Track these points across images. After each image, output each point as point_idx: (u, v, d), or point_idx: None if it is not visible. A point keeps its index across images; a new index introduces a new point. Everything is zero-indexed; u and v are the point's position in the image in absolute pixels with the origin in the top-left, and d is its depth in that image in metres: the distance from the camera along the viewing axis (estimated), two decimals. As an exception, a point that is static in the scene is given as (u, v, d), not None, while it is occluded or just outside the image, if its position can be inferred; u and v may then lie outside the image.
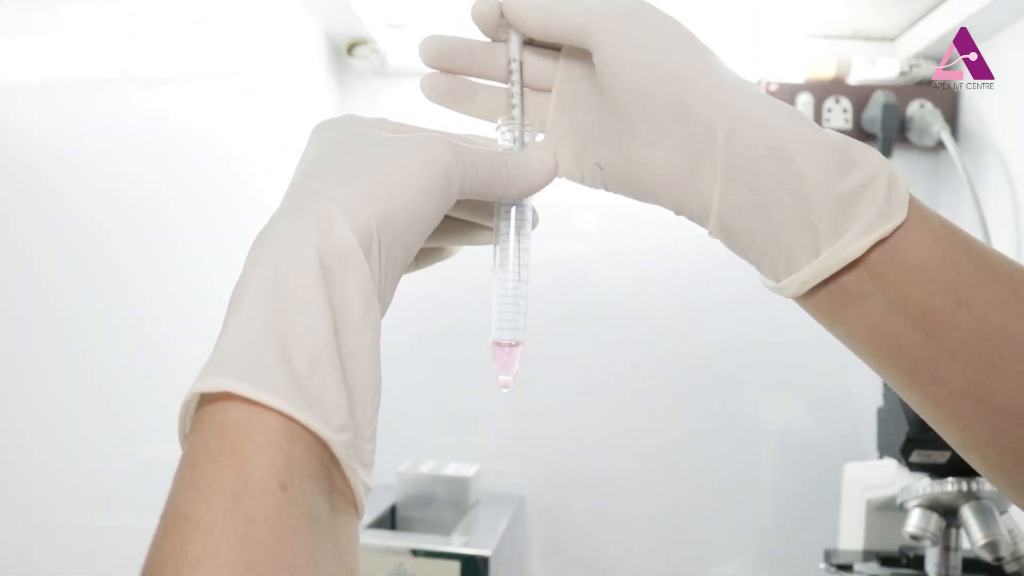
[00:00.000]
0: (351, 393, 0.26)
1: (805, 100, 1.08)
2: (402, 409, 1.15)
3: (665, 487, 1.17)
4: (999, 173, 0.98)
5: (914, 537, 0.74)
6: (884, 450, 0.81)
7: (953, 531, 0.76)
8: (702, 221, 0.34)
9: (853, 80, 1.08)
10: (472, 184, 0.32)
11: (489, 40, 0.38)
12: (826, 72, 1.08)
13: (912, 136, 1.06)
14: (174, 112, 0.70)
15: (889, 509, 0.86)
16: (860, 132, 1.08)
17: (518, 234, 0.36)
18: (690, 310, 1.16)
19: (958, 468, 0.74)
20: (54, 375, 0.56)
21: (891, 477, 0.84)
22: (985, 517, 0.71)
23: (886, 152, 1.03)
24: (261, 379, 0.24)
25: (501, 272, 0.36)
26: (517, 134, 0.37)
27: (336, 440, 0.25)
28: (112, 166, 0.61)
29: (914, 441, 0.74)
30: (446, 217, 0.33)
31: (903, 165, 1.09)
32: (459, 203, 0.33)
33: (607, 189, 0.37)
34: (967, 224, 0.94)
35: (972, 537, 0.71)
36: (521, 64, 0.38)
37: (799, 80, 1.08)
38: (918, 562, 0.81)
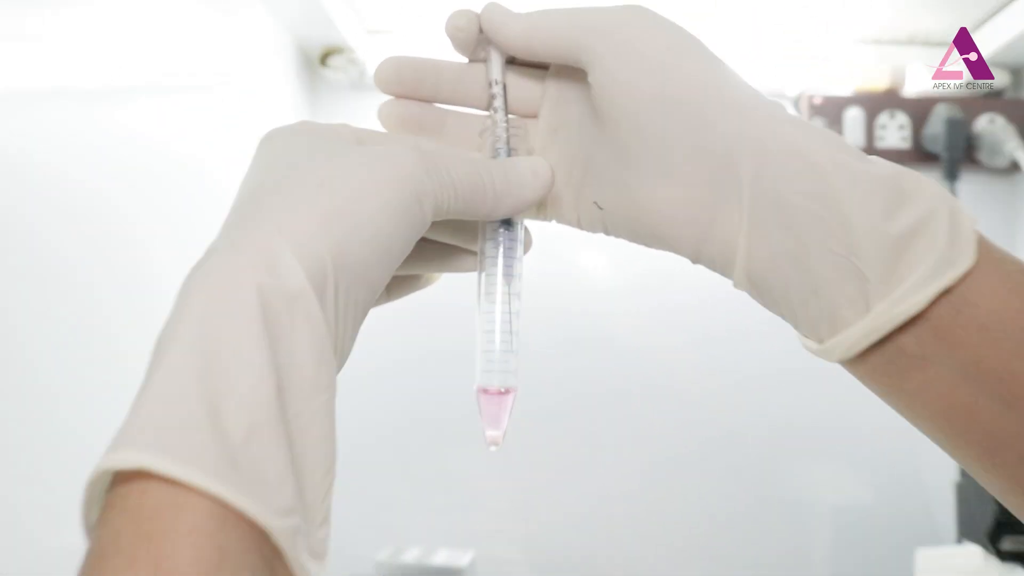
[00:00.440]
0: (299, 468, 0.25)
1: (855, 115, 1.07)
2: (379, 485, 1.12)
3: (699, 578, 1.13)
4: (1088, 197, 0.97)
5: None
6: (965, 533, 0.80)
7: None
8: (725, 271, 0.33)
9: (910, 91, 1.07)
10: (450, 204, 0.32)
11: (462, 61, 0.38)
12: (878, 82, 1.07)
13: (982, 156, 1.04)
14: (130, 126, 0.71)
15: (976, 605, 0.83)
16: (920, 152, 1.07)
17: (507, 259, 0.36)
18: (715, 357, 1.14)
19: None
20: (8, 401, 0.57)
21: (976, 567, 0.81)
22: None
23: (952, 175, 1.02)
24: (186, 452, 0.23)
25: (487, 304, 0.36)
26: (505, 138, 0.36)
27: (279, 527, 0.24)
28: (69, 182, 0.62)
29: (1005, 525, 0.71)
30: (421, 239, 0.32)
31: (971, 190, 1.08)
32: (437, 223, 0.32)
33: (608, 232, 0.36)
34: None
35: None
36: (504, 87, 0.37)
37: (847, 92, 1.08)
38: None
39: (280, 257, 0.26)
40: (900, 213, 0.29)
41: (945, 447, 0.31)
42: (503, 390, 0.35)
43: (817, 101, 1.07)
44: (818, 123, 1.06)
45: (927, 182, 0.30)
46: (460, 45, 0.37)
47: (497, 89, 0.37)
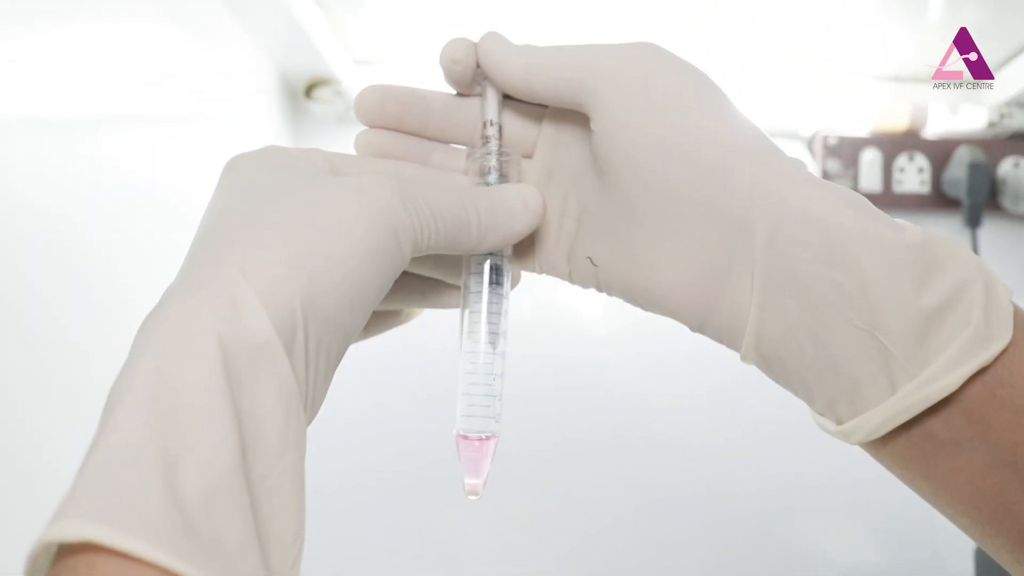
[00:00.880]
0: (264, 536, 0.24)
1: (872, 157, 1.03)
2: (351, 552, 1.06)
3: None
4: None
5: None
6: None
7: None
8: (731, 343, 0.32)
9: (931, 133, 1.04)
10: (431, 239, 0.30)
11: (451, 94, 0.36)
12: (897, 123, 1.04)
13: (1006, 202, 1.01)
14: (107, 156, 0.70)
15: None
16: (940, 197, 1.04)
17: (493, 294, 0.34)
18: (716, 406, 1.09)
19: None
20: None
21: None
22: None
23: (973, 222, 0.99)
24: (137, 521, 0.21)
25: (470, 343, 0.34)
26: (493, 163, 0.35)
27: None
28: (43, 211, 0.61)
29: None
30: (402, 273, 0.31)
31: (994, 238, 1.05)
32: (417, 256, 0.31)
33: (600, 290, 0.35)
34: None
35: None
36: (500, 128, 0.35)
37: (863, 133, 1.05)
38: None
39: (244, 303, 0.25)
40: (931, 285, 0.28)
41: (972, 534, 0.30)
42: (484, 436, 0.34)
43: (832, 142, 1.03)
44: (833, 165, 1.02)
45: (960, 249, 0.29)
46: (456, 80, 0.35)
47: (492, 131, 0.35)
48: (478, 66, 0.34)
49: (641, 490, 1.09)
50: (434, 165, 0.36)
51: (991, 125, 1.01)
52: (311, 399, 0.27)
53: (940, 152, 1.03)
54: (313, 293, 0.26)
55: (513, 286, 0.36)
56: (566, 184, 0.35)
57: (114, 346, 0.67)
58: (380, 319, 0.36)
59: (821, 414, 0.31)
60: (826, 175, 1.02)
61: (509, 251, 0.35)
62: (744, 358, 0.32)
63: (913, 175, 1.03)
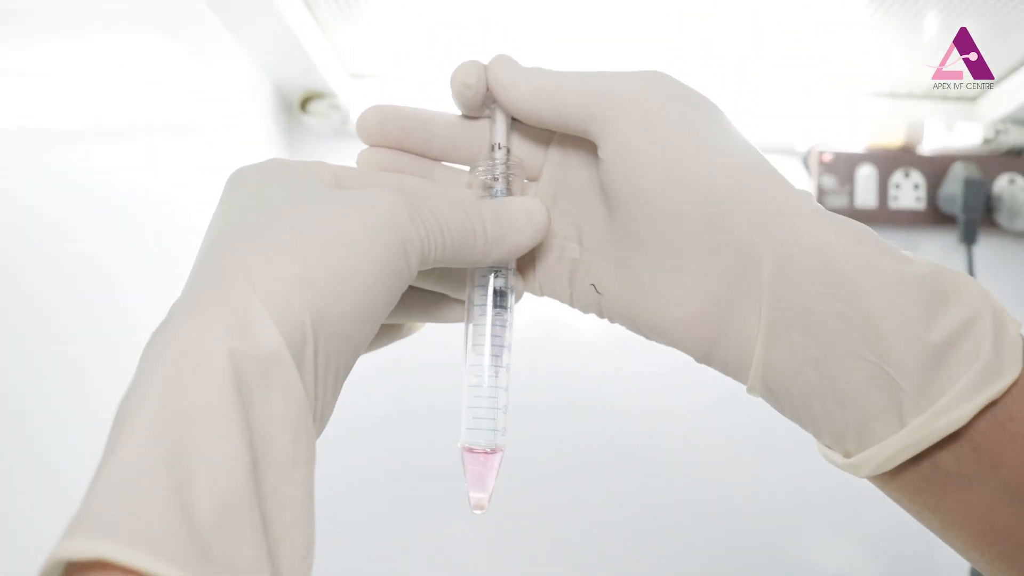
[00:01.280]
0: (275, 552, 0.24)
1: (867, 173, 1.03)
2: (355, 566, 1.04)
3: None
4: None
5: None
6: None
7: None
8: (737, 375, 0.32)
9: (926, 149, 1.04)
10: (438, 252, 0.30)
11: (455, 114, 0.36)
12: (893, 139, 1.04)
13: (1001, 218, 1.01)
14: (102, 169, 0.70)
15: None
16: (936, 213, 1.04)
17: (497, 307, 0.34)
18: (716, 421, 1.08)
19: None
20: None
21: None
22: None
23: (969, 238, 0.99)
24: (148, 539, 0.21)
25: (475, 356, 0.34)
26: (499, 176, 0.35)
27: None
28: (39, 223, 0.61)
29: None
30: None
31: (989, 254, 1.05)
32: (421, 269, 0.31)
33: (602, 316, 0.35)
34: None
35: None
36: (508, 151, 0.35)
37: (859, 148, 1.05)
38: None
39: (254, 318, 0.25)
40: (940, 318, 0.28)
41: (981, 567, 0.29)
42: (490, 450, 0.34)
43: (827, 158, 1.02)
44: (829, 181, 1.02)
45: (968, 282, 0.29)
46: (466, 104, 0.34)
47: (500, 154, 0.35)
48: (487, 90, 0.34)
49: (641, 504, 1.09)
50: (437, 181, 0.36)
51: (986, 142, 1.02)
52: (320, 413, 0.27)
53: (936, 168, 1.03)
54: (322, 307, 0.26)
55: (517, 300, 0.35)
56: (571, 209, 0.35)
57: (109, 356, 0.67)
58: (382, 333, 0.36)
59: (829, 447, 0.31)
60: (821, 191, 1.02)
61: (513, 264, 0.35)
62: (750, 390, 0.31)
63: (909, 191, 1.03)
